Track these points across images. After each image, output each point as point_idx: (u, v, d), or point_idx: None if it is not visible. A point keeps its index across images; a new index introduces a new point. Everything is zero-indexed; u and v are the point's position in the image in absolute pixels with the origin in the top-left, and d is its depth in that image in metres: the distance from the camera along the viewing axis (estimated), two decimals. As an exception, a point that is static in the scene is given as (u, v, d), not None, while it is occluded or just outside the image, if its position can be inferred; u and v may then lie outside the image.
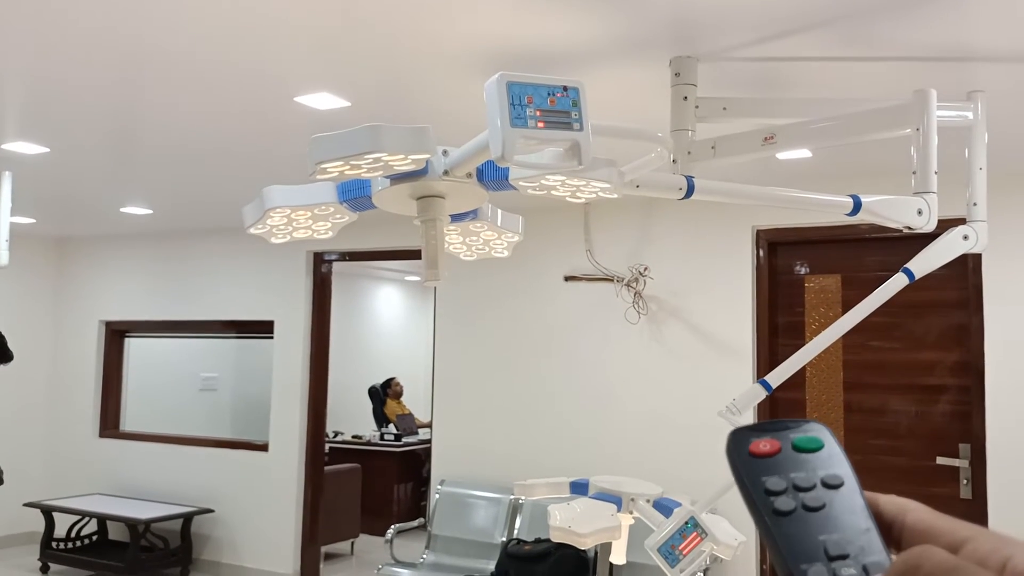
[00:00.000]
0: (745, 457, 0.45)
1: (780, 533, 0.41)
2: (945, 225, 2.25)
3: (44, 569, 6.05)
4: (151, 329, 6.71)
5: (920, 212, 2.16)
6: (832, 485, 0.43)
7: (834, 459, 0.44)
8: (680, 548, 2.13)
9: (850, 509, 0.41)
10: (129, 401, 6.88)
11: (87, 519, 6.34)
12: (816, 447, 0.45)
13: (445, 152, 1.56)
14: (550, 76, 1.38)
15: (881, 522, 0.42)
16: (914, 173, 2.22)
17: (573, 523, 2.23)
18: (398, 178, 1.59)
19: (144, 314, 6.58)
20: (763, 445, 0.45)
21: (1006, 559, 0.36)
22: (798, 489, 0.42)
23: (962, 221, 2.24)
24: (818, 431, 0.45)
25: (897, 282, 2.16)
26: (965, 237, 2.22)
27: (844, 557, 0.39)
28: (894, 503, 0.42)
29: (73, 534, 6.23)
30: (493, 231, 1.86)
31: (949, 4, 2.21)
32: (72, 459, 6.80)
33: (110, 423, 6.76)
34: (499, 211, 1.85)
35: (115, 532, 6.43)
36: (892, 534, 0.41)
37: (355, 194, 1.68)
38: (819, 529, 0.41)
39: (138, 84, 2.99)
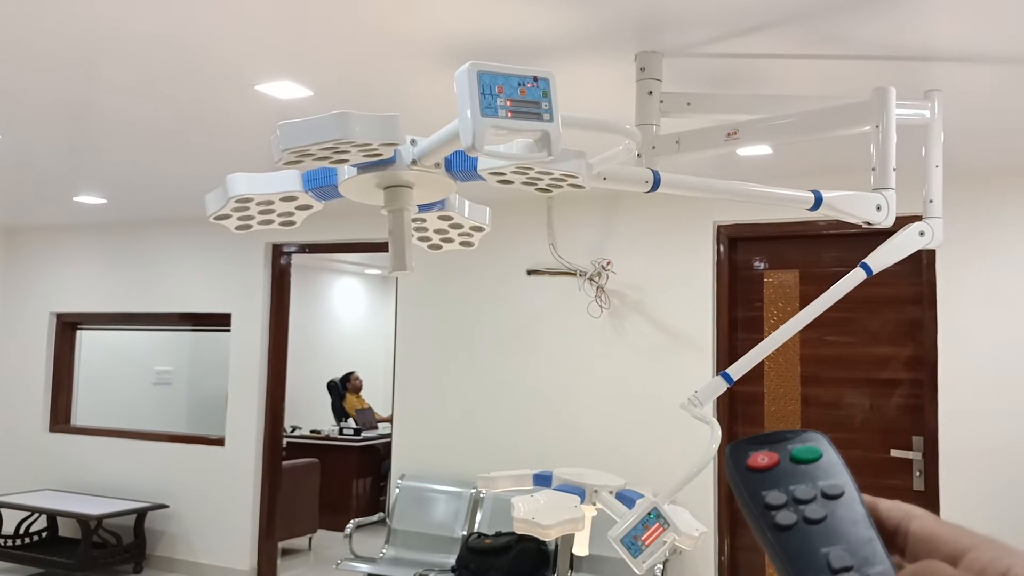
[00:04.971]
0: (744, 471, 0.44)
1: (783, 548, 0.40)
2: (901, 222, 2.30)
3: (-9, 567, 5.91)
4: (104, 321, 6.57)
5: (879, 208, 2.20)
6: (832, 495, 0.42)
7: (833, 468, 0.44)
8: (643, 539, 2.14)
9: (851, 519, 0.41)
10: (80, 395, 6.73)
11: (36, 515, 6.19)
12: (814, 457, 0.44)
13: (413, 141, 1.55)
14: (521, 66, 1.38)
15: (884, 528, 0.42)
16: (873, 170, 2.26)
17: (537, 515, 2.24)
18: (365, 167, 1.58)
19: (97, 306, 6.45)
20: (761, 458, 0.44)
21: (1007, 569, 0.36)
22: (798, 502, 0.42)
23: (918, 218, 2.28)
24: (816, 440, 0.45)
25: (855, 277, 2.19)
26: (921, 233, 2.27)
27: (848, 569, 0.39)
28: (899, 509, 0.42)
29: (22, 531, 6.08)
30: (460, 222, 1.86)
31: (908, 4, 2.25)
32: (21, 454, 6.63)
33: (61, 417, 6.61)
34: (466, 202, 1.84)
35: (66, 528, 6.29)
36: (896, 541, 0.41)
37: (321, 183, 1.66)
38: (821, 542, 0.40)
39: (93, 70, 2.92)
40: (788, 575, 0.40)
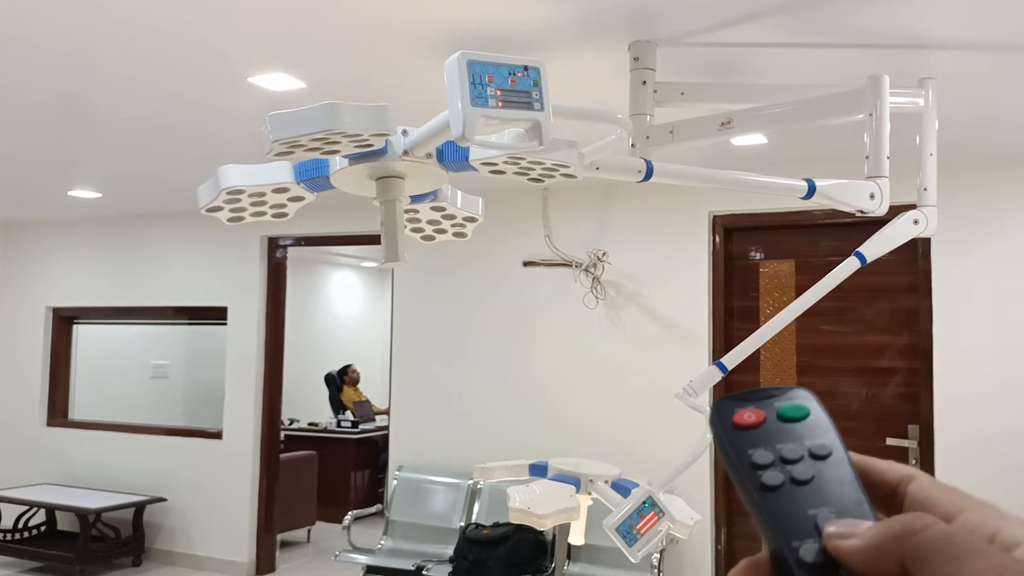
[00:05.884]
0: (729, 429, 0.43)
1: (769, 509, 0.39)
2: (896, 211, 2.30)
3: (-10, 561, 5.91)
4: (100, 316, 6.56)
5: (872, 196, 2.20)
6: (820, 456, 0.41)
7: (821, 427, 0.42)
8: (638, 527, 2.15)
9: (839, 480, 0.40)
10: (78, 389, 6.73)
11: (35, 509, 6.20)
12: (802, 415, 0.43)
13: (405, 132, 1.55)
14: (511, 55, 1.38)
15: (883, 488, 0.41)
16: (867, 158, 2.26)
17: (532, 504, 2.24)
18: (357, 158, 1.57)
19: (93, 300, 6.44)
20: (747, 415, 0.43)
21: (996, 531, 0.36)
22: (785, 461, 0.41)
23: (912, 207, 2.28)
24: (803, 398, 0.44)
25: (849, 265, 2.20)
26: (915, 221, 2.27)
27: None
28: (897, 470, 0.42)
29: (21, 525, 6.09)
30: (453, 212, 1.85)
31: (901, -8, 2.24)
32: (19, 448, 6.64)
33: (58, 411, 6.61)
34: (459, 192, 1.84)
35: (64, 522, 6.30)
36: (895, 501, 0.41)
37: (313, 174, 1.65)
38: (808, 503, 0.39)
39: (86, 62, 2.91)
40: (774, 537, 0.39)
